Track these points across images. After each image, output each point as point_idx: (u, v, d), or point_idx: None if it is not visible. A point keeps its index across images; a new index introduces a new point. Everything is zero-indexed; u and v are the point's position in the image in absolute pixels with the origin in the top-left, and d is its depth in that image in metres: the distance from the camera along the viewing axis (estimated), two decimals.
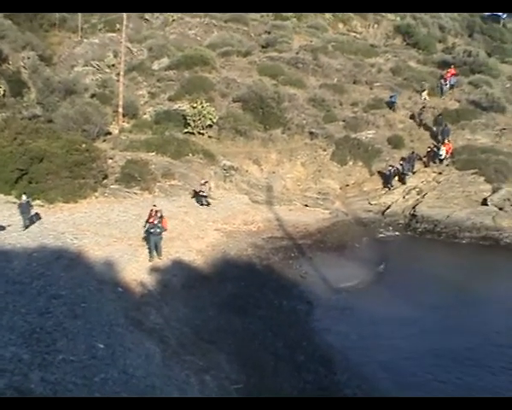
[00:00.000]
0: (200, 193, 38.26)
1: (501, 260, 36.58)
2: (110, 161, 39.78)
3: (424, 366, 23.54)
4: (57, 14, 73.45)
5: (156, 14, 79.22)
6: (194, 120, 48.27)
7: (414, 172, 46.82)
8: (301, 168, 47.41)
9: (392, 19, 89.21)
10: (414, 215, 41.90)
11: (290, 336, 25.14)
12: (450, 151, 47.17)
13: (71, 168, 36.35)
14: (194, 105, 48.77)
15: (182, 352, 21.79)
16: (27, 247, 27.88)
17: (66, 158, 36.34)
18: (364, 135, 50.92)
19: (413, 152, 47.43)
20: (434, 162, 47.64)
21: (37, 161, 35.40)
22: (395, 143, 50.38)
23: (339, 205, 44.23)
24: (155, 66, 62.83)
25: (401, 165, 45.92)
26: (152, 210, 29.74)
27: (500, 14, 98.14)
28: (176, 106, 52.32)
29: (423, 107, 55.03)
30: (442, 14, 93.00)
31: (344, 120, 53.01)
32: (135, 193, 38.45)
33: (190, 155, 43.42)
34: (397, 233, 40.65)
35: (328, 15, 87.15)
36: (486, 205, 41.68)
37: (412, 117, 54.46)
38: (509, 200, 41.39)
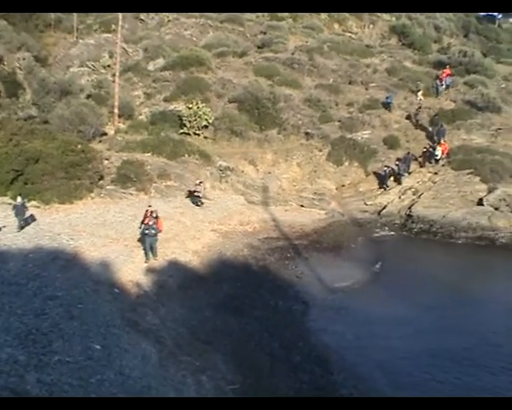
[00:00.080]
0: (195, 193, 38.26)
1: (497, 260, 36.63)
2: (106, 161, 39.77)
3: (421, 365, 23.56)
4: (52, 15, 73.32)
5: (152, 15, 79.20)
6: (189, 121, 48.29)
7: (409, 173, 46.87)
8: (297, 169, 47.44)
9: (387, 19, 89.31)
10: (410, 215, 41.94)
11: (286, 336, 25.14)
12: (445, 151, 47.20)
13: (66, 169, 36.32)
14: (190, 106, 48.80)
15: (178, 352, 21.78)
16: (23, 248, 27.84)
17: (61, 159, 36.32)
18: (360, 135, 50.98)
19: (408, 152, 47.50)
20: (430, 162, 47.70)
21: (32, 162, 35.36)
22: (391, 143, 50.43)
23: (335, 205, 44.26)
24: (151, 66, 62.84)
25: (397, 165, 45.97)
26: (147, 211, 29.67)
27: (495, 14, 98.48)
28: (171, 107, 52.34)
29: (419, 107, 55.13)
30: (437, 15, 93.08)
31: (339, 121, 53.08)
32: (131, 194, 38.45)
33: (186, 155, 43.41)
34: (393, 233, 40.72)
35: (323, 16, 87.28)
36: (482, 205, 41.74)
37: (408, 117, 54.52)
38: (504, 200, 41.45)
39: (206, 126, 49.31)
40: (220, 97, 54.22)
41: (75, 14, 72.87)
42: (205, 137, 49.23)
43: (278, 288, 30.01)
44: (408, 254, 37.61)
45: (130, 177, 38.98)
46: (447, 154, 47.37)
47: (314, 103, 54.57)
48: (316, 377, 22.34)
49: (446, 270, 33.63)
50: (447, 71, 59.64)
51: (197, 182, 38.73)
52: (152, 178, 39.97)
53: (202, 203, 38.46)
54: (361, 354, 24.30)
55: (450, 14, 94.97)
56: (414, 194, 44.36)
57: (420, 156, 48.49)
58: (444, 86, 58.07)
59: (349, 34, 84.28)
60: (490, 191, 42.57)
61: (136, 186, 38.96)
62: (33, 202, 34.00)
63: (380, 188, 46.36)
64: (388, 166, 46.22)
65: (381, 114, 54.48)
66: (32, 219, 31.81)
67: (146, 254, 29.06)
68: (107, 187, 38.30)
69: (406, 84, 60.59)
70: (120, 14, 52.62)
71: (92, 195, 37.27)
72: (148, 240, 28.94)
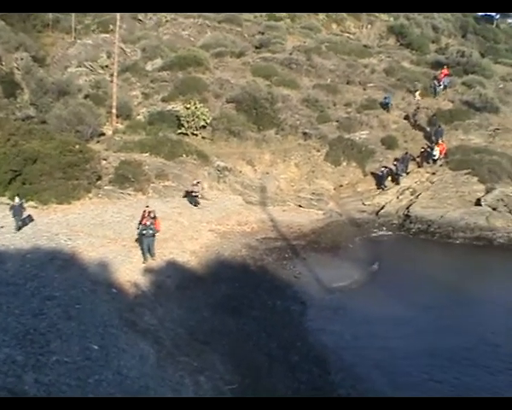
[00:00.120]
0: (193, 193, 38.26)
1: (495, 261, 36.66)
2: (104, 162, 39.76)
3: (419, 365, 23.54)
4: (50, 15, 73.38)
5: (149, 15, 79.23)
6: (187, 121, 48.28)
7: (407, 173, 46.87)
8: (295, 169, 47.43)
9: (385, 19, 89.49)
10: (408, 215, 41.95)
11: (284, 336, 25.14)
12: (443, 152, 47.22)
13: (64, 169, 36.32)
14: (188, 106, 48.79)
15: (176, 353, 21.78)
16: (21, 248, 27.84)
17: (59, 159, 36.32)
18: (358, 135, 50.97)
19: (406, 153, 47.47)
20: (428, 163, 47.71)
21: (30, 162, 35.36)
22: (389, 143, 50.44)
23: (333, 205, 44.26)
24: (149, 66, 62.83)
25: (395, 165, 45.97)
26: (145, 211, 29.64)
27: (493, 14, 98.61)
28: (169, 107, 52.35)
29: (417, 108, 55.16)
30: (435, 15, 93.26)
31: (337, 121, 53.05)
32: (129, 194, 38.45)
33: (184, 155, 43.38)
34: (390, 233, 40.70)
35: (321, 16, 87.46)
36: (480, 205, 41.75)
37: (406, 118, 54.54)
38: (502, 200, 41.47)
39: (203, 127, 49.31)
40: (218, 97, 54.23)
41: (73, 15, 72.98)
42: (203, 138, 49.23)
43: (276, 288, 30.01)
44: (406, 254, 37.62)
45: (128, 177, 38.97)
46: (445, 154, 47.39)
47: (312, 103, 54.57)
48: (314, 377, 22.33)
49: (444, 270, 33.68)
50: (445, 71, 59.69)
51: (194, 182, 38.71)
52: (150, 179, 39.96)
53: (198, 203, 38.42)
54: (359, 354, 24.30)
55: (448, 14, 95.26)
56: (412, 194, 44.37)
57: (418, 156, 48.50)
58: (442, 86, 58.07)
59: (347, 34, 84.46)
60: (488, 191, 42.57)
61: (134, 186, 38.96)
62: (31, 203, 34.03)
63: (378, 188, 46.35)
64: (386, 167, 46.27)
65: (378, 114, 54.50)
66: (30, 219, 31.81)
67: (143, 254, 29.05)
68: (105, 187, 38.29)
69: (404, 85, 60.63)
70: (118, 15, 52.67)
71: (90, 195, 37.27)
72: (145, 240, 28.92)
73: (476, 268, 35.29)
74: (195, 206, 38.21)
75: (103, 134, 48.19)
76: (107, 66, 62.84)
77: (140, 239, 29.39)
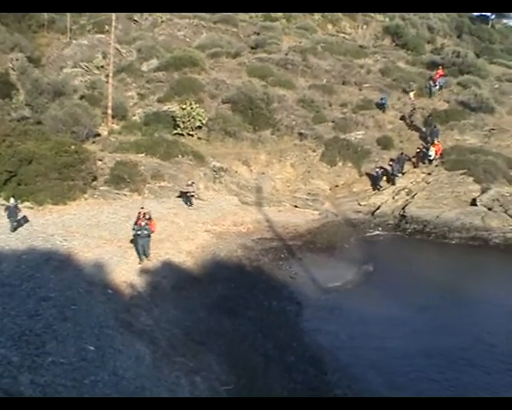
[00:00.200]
0: (187, 194, 38.25)
1: (490, 261, 36.74)
2: (99, 162, 39.74)
3: (416, 365, 23.56)
4: (46, 15, 73.26)
5: (145, 15, 79.09)
6: (183, 122, 48.27)
7: (403, 173, 46.90)
8: (291, 169, 47.45)
9: (381, 20, 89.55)
10: (403, 216, 41.98)
11: (280, 336, 25.14)
12: (439, 152, 47.26)
13: (60, 170, 36.30)
14: (184, 106, 48.79)
15: (172, 353, 21.78)
16: (16, 249, 27.82)
17: (55, 160, 36.29)
18: (354, 136, 51.00)
19: (402, 153, 47.53)
20: (424, 163, 47.76)
21: (26, 163, 35.33)
22: (384, 143, 50.48)
23: (328, 206, 44.29)
24: (144, 67, 62.75)
25: (390, 166, 46.00)
26: (140, 213, 29.54)
27: (488, 14, 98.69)
28: (165, 107, 52.30)
29: (413, 108, 55.23)
30: (431, 15, 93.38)
31: (333, 121, 53.10)
32: (124, 195, 38.44)
33: (180, 156, 43.37)
34: (386, 233, 40.72)
35: (317, 16, 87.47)
36: (475, 205, 41.79)
37: (402, 118, 54.58)
38: (498, 200, 41.54)
39: (199, 127, 49.29)
40: (214, 98, 54.19)
41: (68, 15, 72.77)
42: (198, 138, 49.20)
43: (272, 288, 30.01)
44: (401, 254, 37.68)
45: (123, 178, 38.96)
46: (441, 154, 47.43)
47: (308, 104, 54.58)
48: (310, 377, 22.34)
49: (440, 270, 33.74)
50: (440, 71, 59.78)
51: (189, 182, 38.70)
52: (145, 179, 39.96)
53: (192, 204, 38.39)
54: (355, 354, 24.31)
55: (444, 14, 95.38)
56: (407, 194, 44.42)
57: (413, 157, 48.54)
58: (437, 87, 58.13)
59: (343, 35, 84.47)
60: (483, 192, 42.64)
61: (129, 187, 38.96)
62: (27, 203, 34.03)
63: (373, 189, 46.38)
64: (381, 167, 46.30)
65: (374, 114, 54.53)
66: (25, 220, 31.78)
67: (139, 255, 29.04)
68: (101, 188, 38.28)
69: (400, 85, 60.65)
70: (114, 15, 52.54)
71: (86, 196, 37.27)
72: (140, 241, 28.91)
73: (472, 268, 35.34)
74: (190, 206, 38.19)
75: (99, 135, 48.09)
76: (102, 66, 62.70)
77: (135, 240, 29.39)
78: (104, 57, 62.99)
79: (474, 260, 36.74)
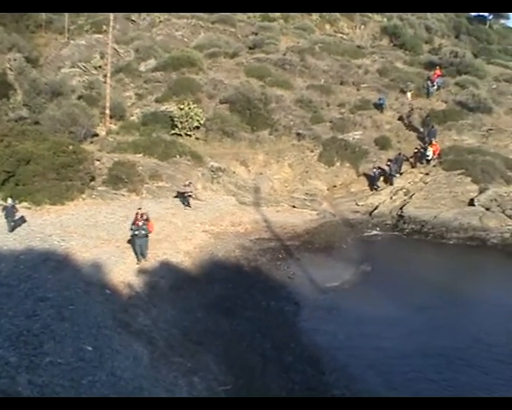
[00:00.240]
0: (185, 194, 38.23)
1: (488, 261, 36.78)
2: (97, 162, 39.71)
3: (414, 365, 23.56)
4: (43, 15, 73.25)
5: (143, 16, 79.10)
6: (181, 122, 48.26)
7: (401, 173, 46.92)
8: (288, 169, 47.44)
9: (378, 20, 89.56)
10: (401, 216, 42.00)
11: (278, 336, 25.13)
12: (437, 152, 47.28)
13: (58, 170, 36.27)
14: (182, 106, 48.79)
15: (170, 353, 21.77)
16: (14, 249, 27.80)
17: (53, 160, 36.27)
18: (351, 136, 51.04)
19: (400, 153, 47.51)
20: (421, 163, 47.78)
21: (23, 163, 35.30)
22: (382, 143, 50.52)
23: (326, 206, 44.29)
24: (142, 67, 62.74)
25: (388, 166, 46.01)
26: (137, 213, 29.45)
27: (486, 15, 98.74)
28: (163, 107, 52.28)
29: (411, 109, 55.26)
30: (428, 15, 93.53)
31: (331, 121, 53.11)
32: (122, 195, 38.42)
33: (178, 156, 43.34)
34: (384, 234, 40.74)
35: (315, 16, 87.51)
36: (473, 205, 41.83)
37: (400, 118, 54.62)
38: (495, 200, 41.57)
39: (197, 127, 49.28)
40: (212, 98, 54.19)
41: (66, 15, 72.81)
42: (196, 138, 49.19)
43: (270, 288, 30.01)
44: (399, 254, 37.70)
45: (121, 178, 38.94)
46: (438, 154, 47.45)
47: (305, 104, 54.60)
48: (308, 377, 22.34)
49: (438, 270, 33.75)
50: (438, 72, 59.84)
51: (186, 183, 38.69)
52: (143, 179, 39.94)
53: (189, 204, 38.38)
54: (353, 354, 24.31)
55: (441, 14, 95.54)
56: (405, 194, 44.43)
57: (411, 157, 48.56)
58: (435, 87, 58.17)
59: (340, 35, 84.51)
60: (481, 192, 42.66)
61: (127, 187, 38.93)
62: (24, 204, 33.96)
63: (371, 189, 46.39)
64: (378, 168, 46.34)
65: (372, 114, 54.58)
66: (23, 220, 31.73)
67: (136, 255, 29.03)
68: (99, 188, 38.26)
69: (397, 85, 60.70)
70: (112, 15, 52.56)
71: (83, 196, 37.22)
72: (137, 241, 28.88)
73: (470, 268, 35.37)
74: (188, 206, 38.18)
75: (97, 135, 48.08)
76: (100, 66, 62.70)
77: (132, 240, 29.36)
78: (102, 57, 62.96)
79: (471, 260, 36.77)
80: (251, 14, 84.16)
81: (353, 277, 32.53)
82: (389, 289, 30.70)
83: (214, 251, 32.93)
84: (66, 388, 17.36)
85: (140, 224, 28.75)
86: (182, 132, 48.49)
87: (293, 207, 43.22)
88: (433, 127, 49.38)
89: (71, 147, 37.97)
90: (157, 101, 54.26)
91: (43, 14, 72.83)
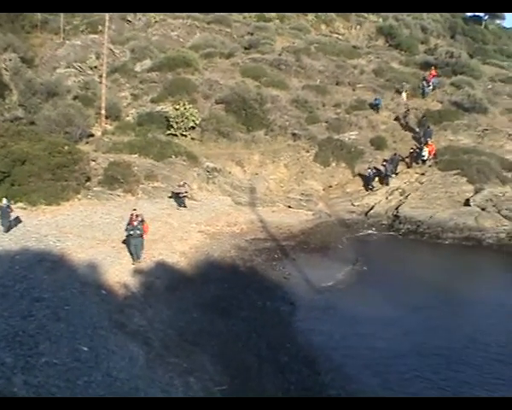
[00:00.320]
0: (179, 194, 38.21)
1: (484, 261, 36.84)
2: (93, 163, 39.71)
3: (410, 365, 23.53)
4: (39, 16, 73.25)
5: (138, 16, 79.07)
6: (176, 122, 48.29)
7: (397, 174, 46.97)
8: (284, 170, 47.47)
9: (374, 20, 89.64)
10: (397, 216, 42.06)
11: (274, 337, 25.10)
12: (432, 152, 47.32)
13: (53, 171, 36.25)
14: (177, 107, 48.83)
15: (165, 354, 21.75)
16: (10, 250, 27.77)
17: (48, 160, 36.24)
18: (347, 136, 51.10)
19: (395, 153, 47.60)
20: (417, 163, 47.84)
21: (19, 164, 35.27)
22: (378, 144, 50.57)
23: (322, 206, 44.33)
24: (138, 67, 62.70)
25: (384, 166, 46.05)
26: (132, 215, 29.43)
27: (482, 15, 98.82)
28: (158, 108, 52.28)
29: (407, 109, 55.30)
30: (424, 16, 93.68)
31: (327, 122, 53.17)
32: (118, 195, 38.42)
33: (173, 156, 43.36)
34: (380, 234, 40.78)
35: (310, 17, 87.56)
36: (469, 206, 41.88)
37: (397, 119, 54.66)
38: (491, 200, 41.65)
39: (193, 127, 49.33)
40: (207, 98, 54.19)
41: (62, 15, 72.76)
42: (192, 139, 49.22)
43: (266, 289, 29.98)
44: (395, 254, 37.73)
45: (117, 178, 38.93)
46: (434, 154, 47.50)
47: (301, 104, 54.63)
48: (303, 377, 22.30)
49: (433, 270, 33.78)
50: (433, 72, 59.94)
51: (181, 183, 38.69)
52: (139, 180, 39.93)
53: (185, 205, 38.37)
54: (349, 354, 24.29)
55: (437, 15, 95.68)
56: (401, 194, 44.48)
57: (407, 157, 48.62)
58: (430, 87, 58.24)
59: (336, 35, 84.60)
60: (476, 192, 42.73)
61: (123, 187, 38.93)
62: (20, 204, 33.97)
63: (366, 190, 46.42)
64: (373, 168, 46.40)
65: (368, 114, 54.62)
66: (18, 220, 31.70)
67: (132, 255, 29.01)
68: (94, 188, 38.25)
69: (393, 85, 60.77)
70: (107, 15, 52.58)
71: (79, 196, 37.22)
72: (132, 241, 28.86)
73: (465, 269, 35.39)
74: (183, 207, 38.14)
75: (92, 135, 48.08)
76: (95, 67, 62.69)
77: (127, 240, 29.35)
78: (97, 58, 63.00)
79: (467, 260, 36.82)
80: (246, 15, 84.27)
81: (349, 277, 32.54)
82: (385, 289, 30.70)
83: (210, 251, 32.92)
84: (61, 388, 17.35)
85: (135, 224, 28.73)
86: (177, 133, 48.53)
87: (289, 207, 43.25)
88: (428, 127, 49.47)
89: (66, 147, 37.94)
90: (152, 101, 54.27)
91: (39, 14, 72.89)
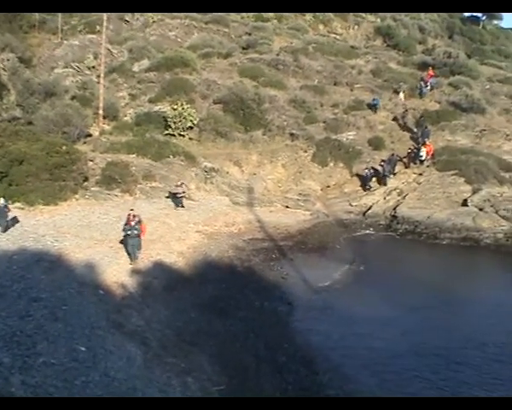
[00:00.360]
0: (177, 195, 38.17)
1: (481, 261, 36.93)
2: (91, 163, 39.67)
3: (408, 365, 23.52)
4: (37, 16, 73.25)
5: (136, 16, 79.06)
6: (174, 122, 48.26)
7: (394, 174, 46.98)
8: (282, 170, 47.47)
9: (372, 20, 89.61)
10: (395, 216, 42.06)
11: (271, 337, 25.09)
12: (430, 152, 47.34)
13: (51, 171, 36.20)
14: (175, 107, 48.81)
15: (163, 354, 21.74)
16: (7, 250, 27.74)
17: (46, 160, 36.20)
18: (345, 136, 51.14)
19: (393, 154, 47.61)
20: (415, 163, 47.87)
21: (17, 164, 35.22)
22: (376, 144, 50.62)
23: (320, 206, 44.33)
24: (136, 67, 62.70)
25: (381, 166, 46.07)
26: (129, 215, 29.33)
27: (479, 15, 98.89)
28: (156, 108, 52.26)
29: (406, 110, 55.32)
30: (422, 16, 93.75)
31: (324, 122, 53.21)
32: (116, 195, 38.37)
33: (171, 156, 43.32)
34: (378, 234, 40.79)
35: (308, 17, 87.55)
36: (467, 206, 41.91)
37: (395, 119, 54.69)
38: (488, 200, 41.66)
39: (190, 127, 49.30)
40: (205, 98, 54.17)
41: (59, 15, 72.75)
42: (190, 139, 49.20)
43: (263, 289, 29.99)
44: (393, 254, 37.74)
45: (114, 178, 38.90)
46: (432, 155, 47.52)
47: (299, 104, 54.65)
48: (301, 377, 22.28)
49: (431, 270, 33.77)
50: (430, 72, 60.03)
51: (178, 183, 38.64)
52: (137, 180, 39.90)
53: (182, 205, 38.34)
54: (346, 354, 24.28)
55: (435, 15, 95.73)
56: (399, 195, 44.49)
57: (405, 157, 48.66)
58: (428, 87, 58.28)
59: (334, 35, 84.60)
60: (474, 192, 42.74)
61: (120, 187, 38.89)
62: (18, 204, 33.88)
63: (364, 190, 46.42)
64: (371, 168, 46.42)
65: (366, 115, 54.67)
66: (16, 220, 31.64)
67: (129, 255, 28.98)
68: (92, 188, 38.21)
69: (391, 86, 60.82)
70: (105, 15, 52.55)
71: (77, 196, 37.16)
72: (130, 241, 28.80)
73: (463, 269, 35.39)
74: (181, 207, 38.11)
75: (90, 135, 48.05)
76: (93, 67, 62.71)
77: (125, 240, 29.30)
78: (95, 58, 63.00)
79: (465, 260, 36.85)
80: (244, 15, 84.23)
81: (346, 277, 32.55)
82: (382, 289, 30.71)
83: (208, 251, 32.90)
84: (59, 388, 17.33)
85: (132, 224, 28.71)
86: (175, 133, 48.50)
87: (287, 207, 43.22)
88: (426, 128, 49.49)
89: (64, 147, 37.90)
90: (150, 101, 54.25)
91: (37, 14, 72.86)
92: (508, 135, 52.50)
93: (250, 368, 22.23)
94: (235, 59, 64.74)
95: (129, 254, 28.96)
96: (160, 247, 31.58)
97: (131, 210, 29.99)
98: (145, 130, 47.40)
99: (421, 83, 58.58)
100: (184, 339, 23.49)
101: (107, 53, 58.77)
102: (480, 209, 41.37)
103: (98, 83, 52.65)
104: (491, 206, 41.39)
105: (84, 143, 45.59)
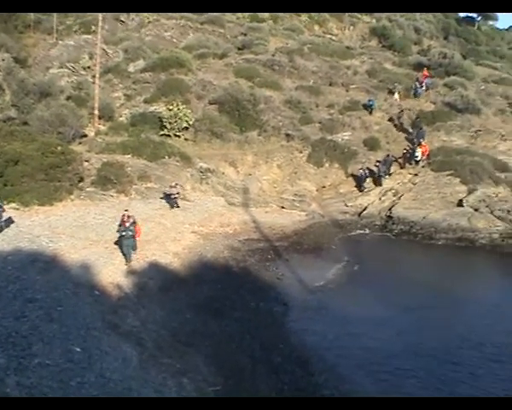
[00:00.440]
0: (171, 196, 38.14)
1: (477, 261, 36.96)
2: (86, 163, 39.62)
3: (404, 365, 23.50)
4: (32, 16, 73.12)
5: (132, 16, 79.03)
6: (170, 123, 48.25)
7: (390, 174, 47.01)
8: (277, 170, 47.49)
9: (367, 21, 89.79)
10: (390, 217, 42.11)
11: (267, 337, 25.08)
12: (426, 153, 47.39)
13: (46, 171, 36.13)
14: (171, 107, 48.81)
15: (159, 355, 21.72)
16: (2, 250, 27.65)
17: (41, 161, 36.12)
18: (340, 137, 51.18)
19: (388, 154, 47.66)
20: (410, 164, 47.93)
21: (12, 164, 35.14)
22: (371, 144, 50.67)
23: (315, 207, 44.36)
24: (131, 68, 62.67)
25: (377, 166, 46.12)
26: (124, 215, 29.30)
27: (475, 16, 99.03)
28: (152, 108, 52.22)
29: (401, 110, 55.37)
30: (417, 17, 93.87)
31: (320, 122, 53.23)
32: (111, 196, 38.33)
33: (166, 157, 43.32)
34: (373, 234, 40.82)
35: (303, 17, 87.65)
36: (462, 206, 41.95)
37: (390, 119, 54.74)
38: (484, 201, 41.71)
39: (186, 128, 49.28)
40: (200, 99, 54.14)
41: (55, 15, 72.66)
42: (185, 139, 49.17)
43: (259, 289, 29.97)
44: (388, 254, 37.78)
45: (110, 179, 38.86)
46: (427, 155, 47.57)
47: (294, 105, 54.65)
48: (297, 378, 22.26)
49: (426, 271, 33.82)
50: (425, 72, 60.15)
51: (172, 184, 38.58)
52: (132, 180, 39.87)
53: (177, 206, 38.31)
54: (342, 354, 24.28)
55: (430, 16, 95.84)
56: (394, 195, 44.53)
57: (400, 158, 48.71)
58: (423, 88, 58.35)
59: (329, 36, 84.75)
60: (469, 192, 42.80)
61: (116, 188, 38.85)
62: (13, 204, 33.79)
63: (359, 190, 46.45)
64: (366, 168, 46.46)
65: (361, 115, 54.72)
66: (11, 221, 31.54)
67: (125, 256, 28.95)
68: (87, 189, 38.17)
69: (386, 86, 60.89)
70: (100, 15, 52.52)
71: (72, 197, 37.11)
72: (125, 242, 28.77)
73: (458, 269, 35.41)
74: (176, 207, 38.07)
75: (85, 136, 47.97)
76: (89, 67, 62.66)
77: (120, 241, 29.27)
78: (91, 58, 62.95)
79: (460, 260, 36.90)
80: (240, 15, 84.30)
81: (342, 277, 32.56)
82: (378, 289, 30.72)
83: (203, 252, 32.89)
84: (54, 389, 17.30)
85: (127, 225, 28.68)
86: (170, 133, 48.49)
87: (282, 207, 43.25)
88: (421, 128, 49.58)
89: (59, 148, 37.83)
90: (146, 101, 54.22)
91: (32, 14, 72.72)
92: (503, 135, 52.67)
93: (246, 369, 22.22)
94: (231, 59, 64.75)
95: (124, 254, 28.94)
96: (156, 247, 31.56)
97: (126, 211, 29.97)
98: (140, 130, 47.37)
99: (416, 83, 58.66)
100: (180, 340, 23.47)
101: (102, 53, 58.75)
102: (476, 210, 41.42)
103: (93, 83, 52.63)
104: (487, 206, 41.45)
105: (80, 143, 45.53)
